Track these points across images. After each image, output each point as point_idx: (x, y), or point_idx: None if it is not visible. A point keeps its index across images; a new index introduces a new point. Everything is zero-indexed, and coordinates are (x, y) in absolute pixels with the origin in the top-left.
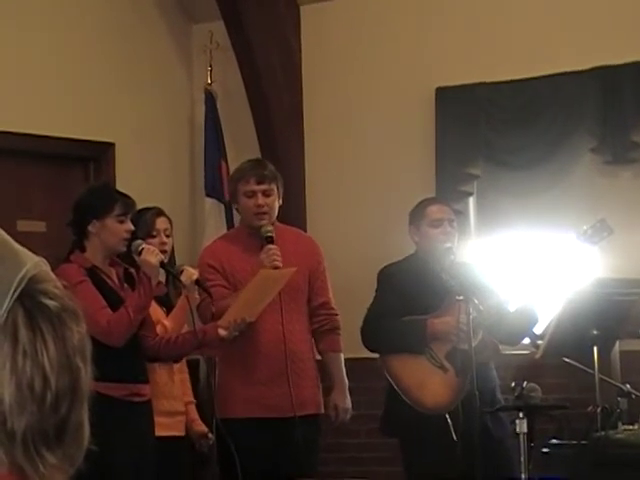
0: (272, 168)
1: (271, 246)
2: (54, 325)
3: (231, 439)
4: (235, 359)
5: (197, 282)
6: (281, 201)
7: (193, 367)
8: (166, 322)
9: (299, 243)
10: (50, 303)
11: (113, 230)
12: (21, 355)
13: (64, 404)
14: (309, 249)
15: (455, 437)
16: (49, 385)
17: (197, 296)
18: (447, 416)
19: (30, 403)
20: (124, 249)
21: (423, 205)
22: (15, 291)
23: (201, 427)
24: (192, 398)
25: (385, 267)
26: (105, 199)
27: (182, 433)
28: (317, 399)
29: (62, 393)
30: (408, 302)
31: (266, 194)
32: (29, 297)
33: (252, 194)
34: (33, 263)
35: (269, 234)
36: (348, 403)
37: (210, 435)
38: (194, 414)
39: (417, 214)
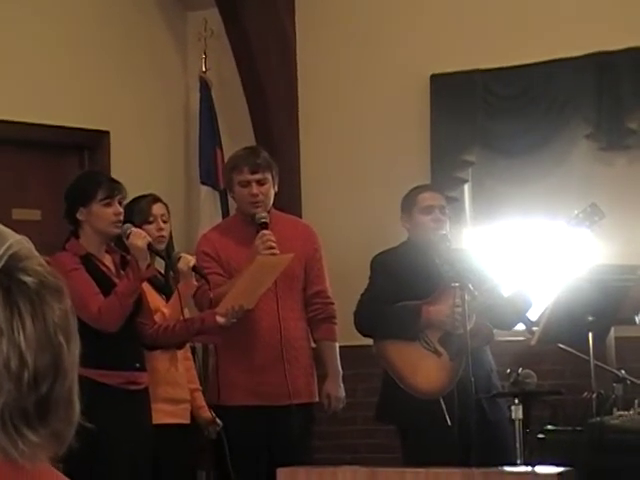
0: (266, 156)
1: (265, 232)
2: (33, 303)
3: (226, 427)
4: (230, 346)
5: (194, 268)
6: (276, 188)
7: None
8: (165, 310)
9: (296, 230)
10: (29, 280)
11: (100, 215)
12: None
13: (45, 382)
14: (306, 236)
15: (450, 422)
16: (26, 364)
17: (195, 283)
18: (441, 401)
19: (7, 382)
20: (117, 232)
21: (414, 192)
22: None
23: (208, 414)
24: (198, 385)
25: (378, 255)
26: (89, 185)
27: (187, 421)
28: (311, 388)
29: (42, 371)
30: (402, 288)
31: (260, 183)
32: (7, 275)
33: (246, 183)
34: (15, 241)
35: (263, 220)
36: (341, 392)
37: (218, 421)
38: (201, 401)
39: (408, 201)
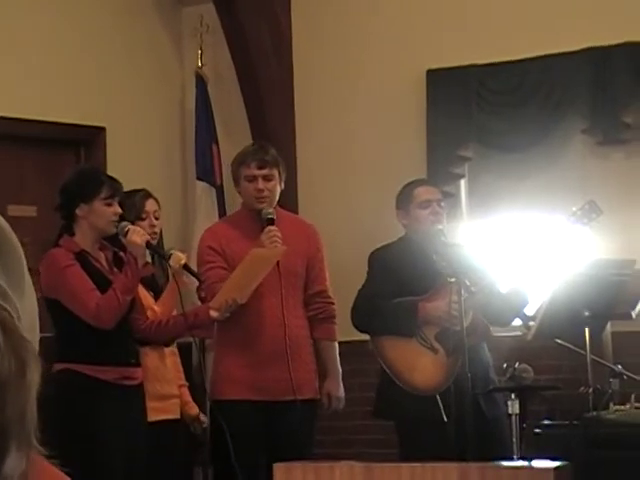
0: (274, 153)
1: (272, 227)
2: None
3: (225, 421)
4: (234, 341)
5: (185, 266)
6: (283, 186)
7: (186, 350)
8: (156, 307)
9: (299, 229)
10: None
11: (101, 213)
12: None
13: None
14: (309, 236)
15: (445, 418)
16: None
17: (185, 280)
18: (437, 397)
19: None
20: (113, 231)
21: (410, 187)
22: None
23: (194, 410)
24: (184, 381)
25: (376, 250)
26: (92, 182)
27: (177, 416)
28: (314, 384)
29: None
30: (399, 284)
31: (267, 179)
32: None
33: (253, 178)
34: None
35: (270, 216)
36: (341, 392)
37: (203, 418)
38: (187, 397)
39: (405, 197)
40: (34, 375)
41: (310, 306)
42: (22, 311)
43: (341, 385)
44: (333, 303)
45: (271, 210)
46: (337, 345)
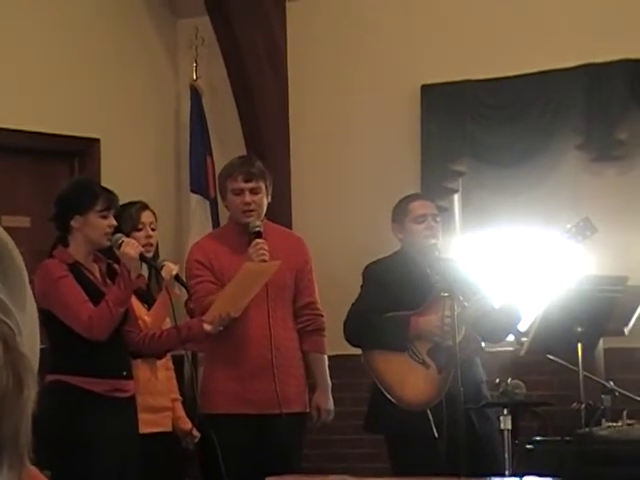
0: (260, 165)
1: (259, 240)
2: None
3: (215, 435)
4: (221, 354)
5: (176, 277)
6: (270, 198)
7: (178, 364)
8: (146, 318)
9: (287, 241)
10: None
11: (96, 225)
12: None
13: None
14: (297, 248)
15: (436, 434)
16: None
17: (177, 291)
18: (429, 413)
19: None
20: (108, 244)
21: (405, 202)
22: None
23: (187, 425)
24: (178, 395)
25: (370, 264)
26: (88, 194)
27: (169, 429)
28: (303, 397)
29: None
30: (393, 298)
31: (254, 192)
32: None
33: (240, 192)
34: None
35: (257, 229)
36: (331, 404)
37: (194, 433)
38: (180, 411)
39: (400, 211)
40: (31, 393)
41: (299, 318)
42: (23, 326)
43: (330, 398)
44: (322, 315)
45: (258, 223)
46: (326, 358)
